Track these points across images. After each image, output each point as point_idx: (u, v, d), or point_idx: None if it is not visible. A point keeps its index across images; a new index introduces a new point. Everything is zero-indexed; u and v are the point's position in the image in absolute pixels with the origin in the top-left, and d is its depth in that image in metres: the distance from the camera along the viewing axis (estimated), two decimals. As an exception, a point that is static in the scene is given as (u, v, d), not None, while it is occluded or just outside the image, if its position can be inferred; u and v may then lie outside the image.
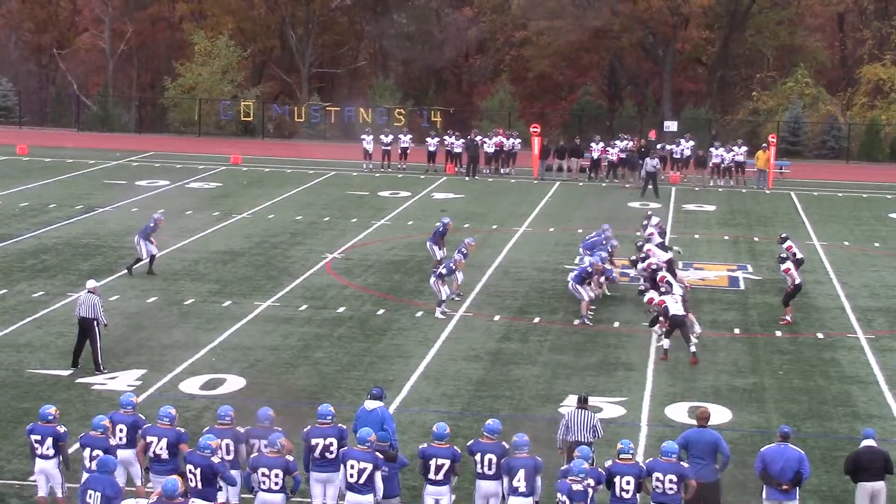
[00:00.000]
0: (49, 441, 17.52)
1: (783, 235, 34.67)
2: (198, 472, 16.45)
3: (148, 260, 33.64)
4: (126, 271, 33.57)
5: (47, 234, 39.23)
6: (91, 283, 25.80)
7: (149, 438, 17.43)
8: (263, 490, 16.86)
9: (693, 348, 26.89)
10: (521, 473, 16.87)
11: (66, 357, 25.82)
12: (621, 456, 16.80)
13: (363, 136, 57.37)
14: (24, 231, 39.51)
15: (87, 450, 17.14)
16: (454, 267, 30.64)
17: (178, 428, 17.55)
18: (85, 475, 17.10)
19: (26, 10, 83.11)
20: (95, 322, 25.06)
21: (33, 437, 17.63)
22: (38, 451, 17.59)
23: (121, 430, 17.85)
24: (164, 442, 17.33)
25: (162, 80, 76.08)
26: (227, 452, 17.38)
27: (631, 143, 55.53)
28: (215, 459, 16.64)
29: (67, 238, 38.65)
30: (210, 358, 26.32)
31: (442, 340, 28.20)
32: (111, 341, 27.16)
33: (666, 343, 27.20)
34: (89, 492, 15.87)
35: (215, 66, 73.42)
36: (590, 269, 30.27)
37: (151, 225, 33.90)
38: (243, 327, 28.86)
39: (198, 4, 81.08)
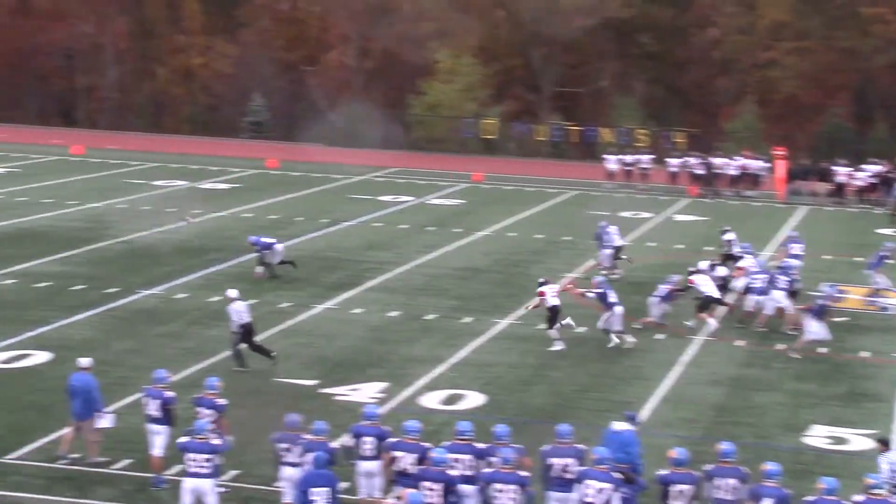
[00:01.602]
0: (297, 450, 17.93)
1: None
2: (438, 487, 16.61)
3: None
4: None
5: (294, 246, 40.26)
6: (234, 292, 26.85)
7: (396, 453, 17.66)
8: (496, 505, 16.94)
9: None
10: (769, 503, 16.52)
11: (310, 367, 26.46)
12: (873, 491, 16.27)
13: (606, 156, 57.23)
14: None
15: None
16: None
17: (424, 444, 17.72)
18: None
19: (278, 29, 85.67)
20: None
21: (280, 445, 18.09)
22: (286, 459, 18.05)
23: (365, 443, 18.16)
24: (412, 457, 17.53)
25: (406, 97, 77.36)
26: (467, 469, 17.51)
27: (882, 168, 53.86)
28: (454, 473, 16.84)
29: (312, 251, 39.61)
30: (450, 373, 26.59)
31: (682, 364, 27.85)
32: (354, 353, 27.76)
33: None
34: (312, 490, 16.38)
35: (459, 84, 74.32)
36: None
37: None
38: (483, 344, 29.07)
39: (442, 24, 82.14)
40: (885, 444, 18.46)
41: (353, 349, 28.20)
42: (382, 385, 25.46)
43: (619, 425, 18.28)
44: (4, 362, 26.02)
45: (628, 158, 56.99)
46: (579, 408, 24.54)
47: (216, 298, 32.13)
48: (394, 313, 31.63)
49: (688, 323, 30.63)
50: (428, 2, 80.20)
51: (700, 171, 55.64)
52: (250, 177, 57.83)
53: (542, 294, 28.99)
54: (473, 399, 24.78)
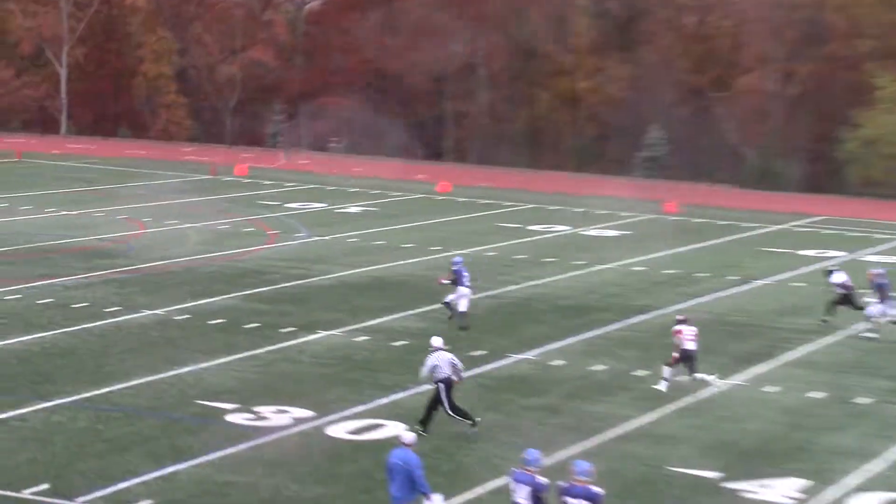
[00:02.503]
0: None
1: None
2: None
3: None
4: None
5: (696, 306, 39.84)
6: (438, 340, 26.83)
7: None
8: None
9: None
10: None
11: (711, 455, 25.94)
12: None
13: None
14: (670, 303, 40.36)
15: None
16: None
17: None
18: None
19: (682, 47, 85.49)
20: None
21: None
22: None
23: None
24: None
25: (838, 130, 75.67)
26: None
27: None
28: None
29: (718, 314, 39.12)
30: (886, 473, 25.55)
31: None
32: (766, 440, 27.07)
33: None
34: None
35: (903, 114, 72.35)
36: None
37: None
38: (931, 437, 27.88)
39: (883, 41, 79.95)
40: None
41: (766, 435, 27.53)
42: (801, 482, 24.67)
43: None
44: (352, 433, 26.65)
45: None
46: None
47: (600, 368, 32.13)
48: (817, 394, 30.74)
49: None
50: (867, 16, 78.41)
51: None
52: (643, 223, 57.86)
53: (678, 333, 30.47)
54: (917, 506, 23.69)
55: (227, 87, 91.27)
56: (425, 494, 20.47)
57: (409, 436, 20.77)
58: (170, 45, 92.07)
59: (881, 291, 37.22)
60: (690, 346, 30.10)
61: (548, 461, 22.76)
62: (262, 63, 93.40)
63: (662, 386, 30.11)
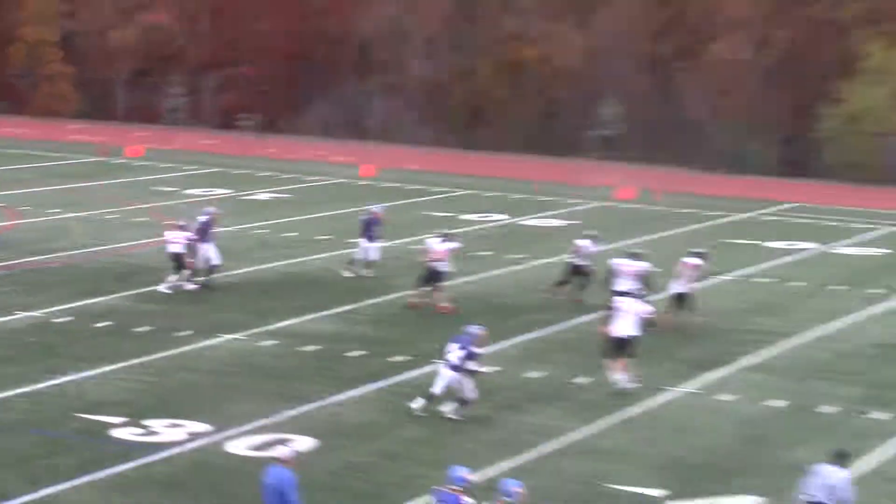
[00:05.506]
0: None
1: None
2: None
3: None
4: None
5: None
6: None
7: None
8: None
9: None
10: None
11: (656, 472, 26.48)
12: None
13: None
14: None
15: None
16: None
17: None
18: None
19: (645, 12, 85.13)
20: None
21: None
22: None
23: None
24: None
25: (817, 105, 75.77)
26: None
27: None
28: None
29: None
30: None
31: None
32: (718, 455, 27.74)
33: None
34: None
35: (891, 87, 72.65)
36: None
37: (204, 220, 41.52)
38: (902, 449, 28.67)
39: (873, 2, 79.45)
40: None
41: (718, 449, 28.17)
42: (755, 501, 25.32)
43: None
44: (255, 448, 27.03)
45: None
46: None
47: (536, 375, 32.73)
48: (777, 402, 31.42)
49: None
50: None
51: None
52: (593, 211, 58.69)
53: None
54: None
55: (121, 56, 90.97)
56: None
57: (285, 451, 20.88)
58: (55, 5, 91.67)
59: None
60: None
61: (476, 479, 23.23)
62: (162, 27, 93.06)
63: None
